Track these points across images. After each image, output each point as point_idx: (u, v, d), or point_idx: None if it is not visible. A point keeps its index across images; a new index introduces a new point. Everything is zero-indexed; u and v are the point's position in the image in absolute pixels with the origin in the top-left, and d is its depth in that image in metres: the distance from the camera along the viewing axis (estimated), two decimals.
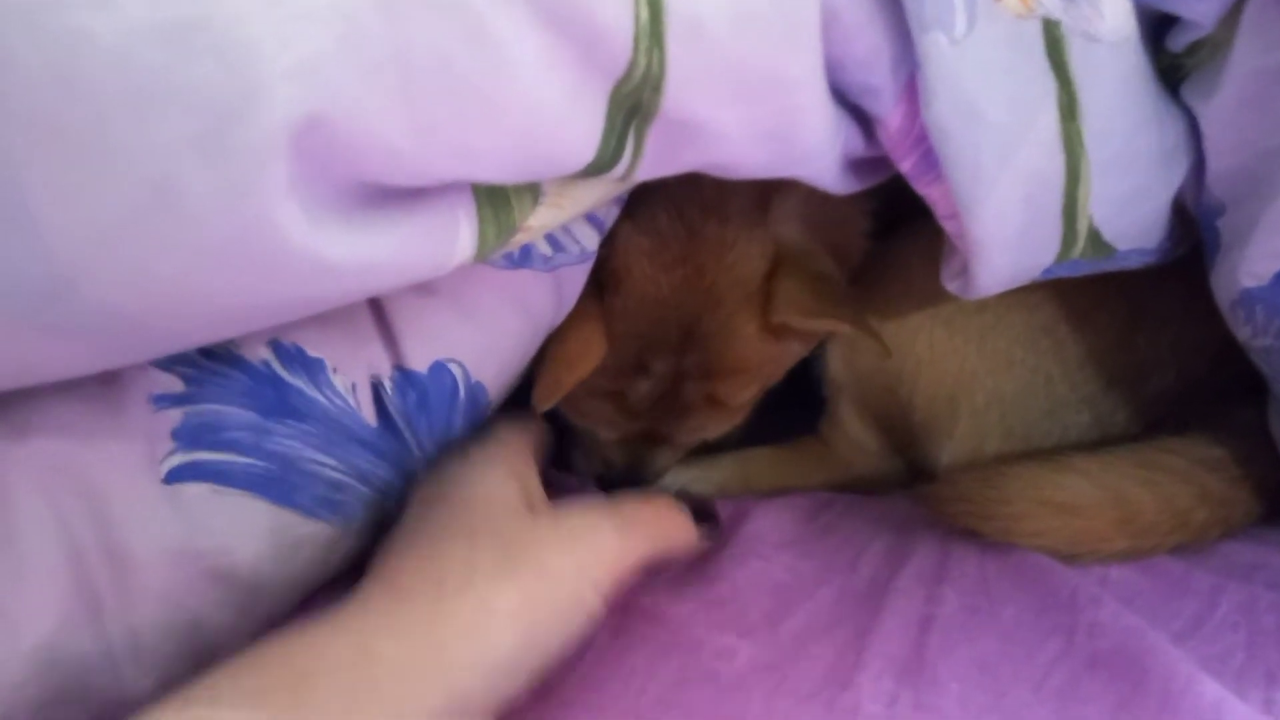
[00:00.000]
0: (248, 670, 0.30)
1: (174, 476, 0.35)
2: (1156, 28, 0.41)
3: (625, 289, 0.49)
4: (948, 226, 0.42)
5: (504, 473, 0.38)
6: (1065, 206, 0.41)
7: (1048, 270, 0.44)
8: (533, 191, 0.35)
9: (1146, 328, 0.53)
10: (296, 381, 0.37)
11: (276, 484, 0.37)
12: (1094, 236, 0.42)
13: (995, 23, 0.36)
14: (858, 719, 0.35)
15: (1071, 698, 0.36)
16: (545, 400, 0.46)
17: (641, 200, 0.47)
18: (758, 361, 0.52)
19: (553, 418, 0.50)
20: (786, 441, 0.60)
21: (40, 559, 0.32)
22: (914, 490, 0.51)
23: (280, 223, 0.27)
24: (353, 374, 0.38)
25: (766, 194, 0.49)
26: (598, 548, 0.36)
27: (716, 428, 0.56)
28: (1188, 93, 0.42)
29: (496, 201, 0.34)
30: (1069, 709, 0.35)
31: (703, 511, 0.46)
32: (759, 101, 0.34)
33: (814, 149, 0.37)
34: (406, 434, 0.40)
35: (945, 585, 0.42)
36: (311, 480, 0.37)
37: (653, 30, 0.30)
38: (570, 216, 0.38)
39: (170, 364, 0.35)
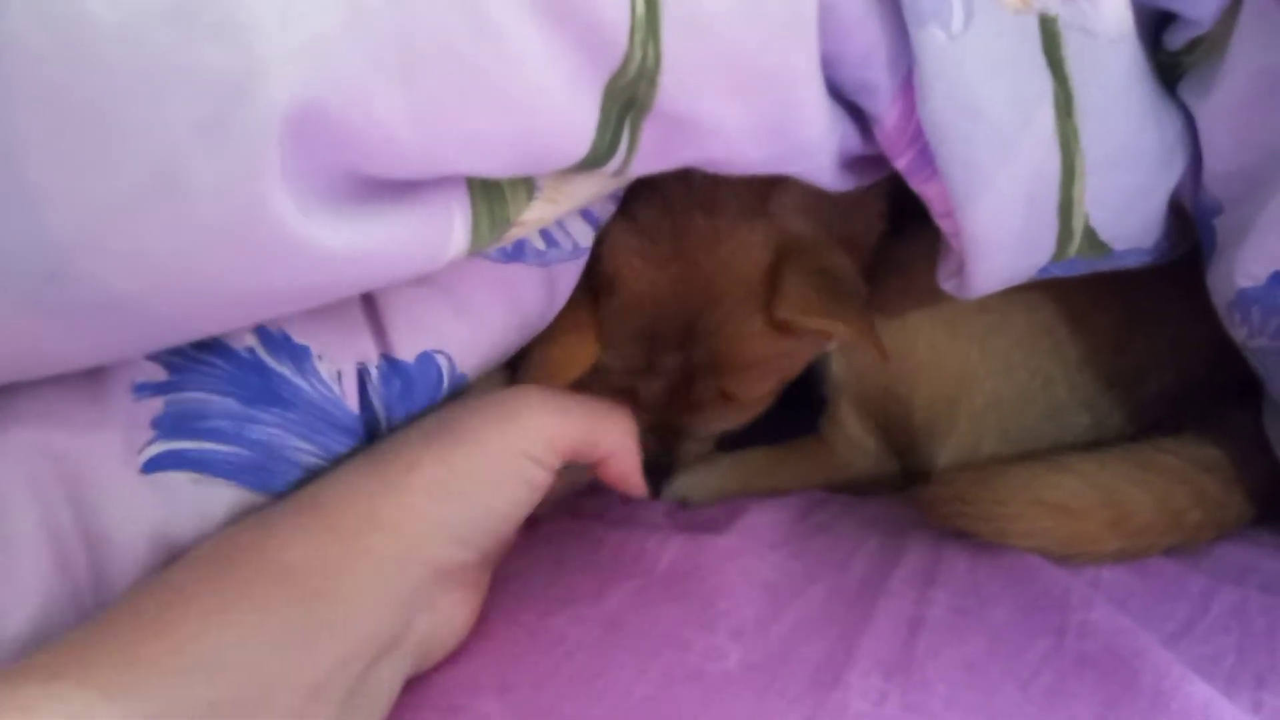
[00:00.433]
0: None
1: (152, 465, 0.34)
2: (1154, 25, 0.41)
3: (619, 288, 0.48)
4: (943, 224, 0.41)
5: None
6: (1061, 204, 0.40)
7: (1044, 270, 0.44)
8: (527, 185, 0.35)
9: (1145, 329, 0.53)
10: (281, 369, 0.37)
11: (257, 471, 0.36)
12: (1090, 235, 0.42)
13: (992, 18, 0.35)
14: (846, 717, 0.34)
15: (1059, 696, 0.36)
16: None
17: (633, 198, 0.46)
18: (767, 356, 0.50)
19: None
20: (785, 442, 0.60)
21: (24, 547, 0.32)
22: (909, 492, 0.50)
23: (278, 208, 0.27)
24: (339, 362, 0.38)
25: (766, 187, 0.48)
26: (532, 423, 0.39)
27: (736, 419, 0.55)
28: (1185, 91, 0.42)
29: (491, 195, 0.34)
30: (1057, 707, 0.35)
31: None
32: (755, 96, 0.34)
33: (811, 145, 0.37)
34: (383, 420, 0.40)
35: (936, 587, 0.41)
36: (291, 466, 0.37)
37: (649, 23, 0.30)
38: (565, 211, 0.38)
39: (155, 352, 0.35)
